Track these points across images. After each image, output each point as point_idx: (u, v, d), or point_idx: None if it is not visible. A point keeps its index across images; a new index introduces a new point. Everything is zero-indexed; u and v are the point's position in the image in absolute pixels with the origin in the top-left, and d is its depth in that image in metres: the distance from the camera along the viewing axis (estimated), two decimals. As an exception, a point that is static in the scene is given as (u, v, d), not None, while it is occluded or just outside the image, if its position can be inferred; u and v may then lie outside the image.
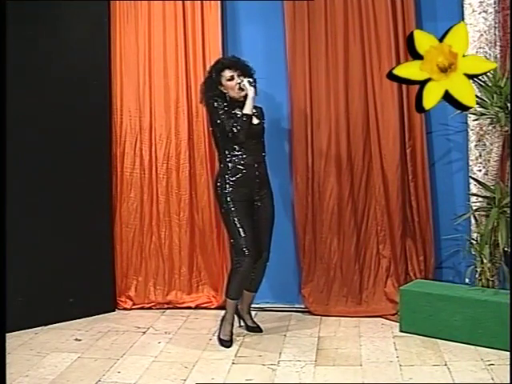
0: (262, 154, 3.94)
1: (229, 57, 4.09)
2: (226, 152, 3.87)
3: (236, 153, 3.84)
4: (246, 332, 4.08)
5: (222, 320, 3.92)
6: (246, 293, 4.06)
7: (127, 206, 4.65)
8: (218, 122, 3.81)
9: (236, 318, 4.05)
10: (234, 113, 3.82)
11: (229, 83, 3.86)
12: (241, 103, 3.83)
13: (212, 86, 3.88)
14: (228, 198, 3.83)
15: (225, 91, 3.88)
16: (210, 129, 4.00)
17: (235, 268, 3.85)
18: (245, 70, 3.88)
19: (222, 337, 3.88)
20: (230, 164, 3.86)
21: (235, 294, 3.88)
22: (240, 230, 3.79)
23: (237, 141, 3.79)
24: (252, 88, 3.78)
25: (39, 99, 4.19)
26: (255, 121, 3.89)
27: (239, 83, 3.82)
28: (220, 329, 3.91)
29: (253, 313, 4.20)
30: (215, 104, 3.83)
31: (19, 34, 4.06)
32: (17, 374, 3.44)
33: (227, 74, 3.86)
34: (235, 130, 3.75)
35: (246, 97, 3.81)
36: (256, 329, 4.11)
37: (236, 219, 3.81)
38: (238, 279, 3.83)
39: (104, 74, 4.53)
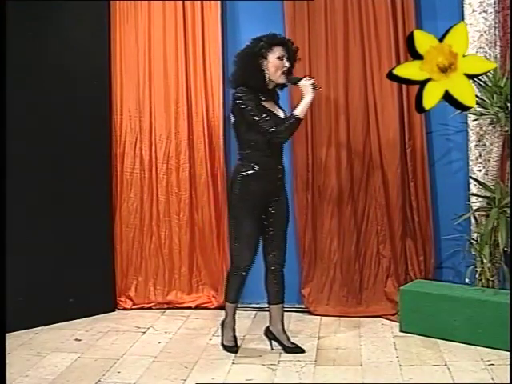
0: (282, 155, 3.70)
1: (281, 36, 3.68)
2: (249, 150, 3.55)
3: (260, 152, 3.54)
4: (246, 332, 4.07)
5: (222, 325, 3.80)
6: (275, 307, 3.78)
7: (127, 205, 4.65)
8: (256, 119, 3.45)
9: (267, 341, 3.78)
10: (269, 110, 3.53)
11: (277, 62, 3.50)
12: (271, 91, 3.59)
13: (255, 57, 3.48)
14: (241, 198, 3.57)
15: (264, 68, 3.51)
16: (232, 119, 3.65)
17: (235, 271, 3.68)
18: (293, 57, 3.58)
19: (225, 343, 3.76)
20: (250, 163, 3.55)
21: (235, 297, 3.74)
22: (247, 232, 3.59)
23: (276, 141, 3.51)
24: (313, 93, 3.46)
25: (39, 99, 4.19)
26: (282, 114, 3.63)
27: (285, 69, 3.52)
28: (222, 335, 3.79)
29: (253, 313, 4.19)
30: (245, 97, 3.47)
31: (19, 34, 4.06)
32: (17, 374, 3.44)
33: (280, 51, 3.51)
34: (276, 129, 3.44)
35: (280, 85, 3.60)
36: (296, 349, 3.71)
37: (245, 221, 3.57)
38: (239, 283, 3.69)
39: (104, 74, 4.53)
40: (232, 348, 3.73)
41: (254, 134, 3.52)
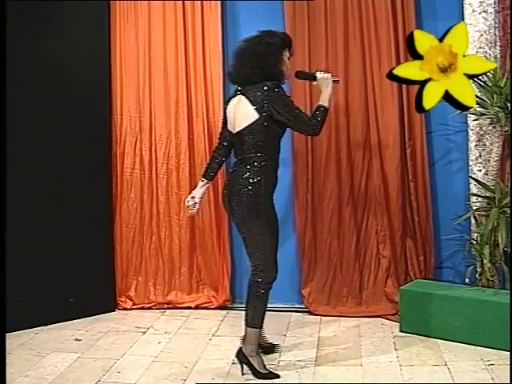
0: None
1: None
2: (258, 153, 3.32)
3: (264, 154, 3.33)
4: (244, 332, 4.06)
5: (249, 356, 3.37)
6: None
7: (127, 205, 4.65)
8: (297, 112, 3.31)
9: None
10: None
11: (288, 62, 3.43)
12: None
13: (278, 49, 3.36)
14: (267, 207, 3.32)
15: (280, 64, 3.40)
16: (255, 117, 3.29)
17: (267, 288, 3.36)
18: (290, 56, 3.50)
19: (264, 371, 3.36)
20: (258, 167, 3.31)
21: (263, 320, 3.39)
22: (272, 241, 3.36)
23: (315, 133, 3.34)
24: (332, 85, 3.38)
25: (39, 99, 4.19)
26: None
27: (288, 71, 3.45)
28: (254, 365, 3.36)
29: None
30: (283, 92, 3.31)
31: (19, 34, 4.06)
32: (17, 374, 3.44)
33: (289, 52, 3.45)
34: (314, 123, 3.29)
35: None
36: (270, 348, 3.70)
37: (268, 228, 3.32)
38: (265, 303, 3.38)
39: (104, 74, 4.53)
40: (274, 373, 3.39)
41: (277, 132, 3.36)
